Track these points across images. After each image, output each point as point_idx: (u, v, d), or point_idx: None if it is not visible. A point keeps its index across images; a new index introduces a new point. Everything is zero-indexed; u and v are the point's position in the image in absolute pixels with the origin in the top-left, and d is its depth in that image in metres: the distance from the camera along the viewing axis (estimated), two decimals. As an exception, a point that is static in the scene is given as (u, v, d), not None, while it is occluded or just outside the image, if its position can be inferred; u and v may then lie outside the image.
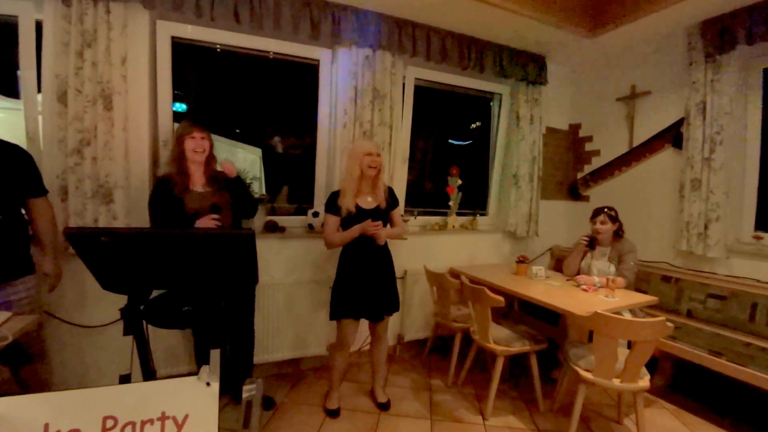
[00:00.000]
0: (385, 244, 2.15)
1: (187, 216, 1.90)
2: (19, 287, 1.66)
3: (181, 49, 2.40)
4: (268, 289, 2.49)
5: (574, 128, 3.77)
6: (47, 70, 1.99)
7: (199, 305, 1.56)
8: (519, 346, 2.24)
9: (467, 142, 3.75)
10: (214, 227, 1.84)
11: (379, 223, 1.99)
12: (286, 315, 2.58)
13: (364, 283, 2.08)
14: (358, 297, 2.07)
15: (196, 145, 1.95)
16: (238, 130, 3.03)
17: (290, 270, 2.60)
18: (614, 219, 2.55)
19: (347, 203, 2.03)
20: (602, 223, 2.54)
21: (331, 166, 2.76)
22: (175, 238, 1.24)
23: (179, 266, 1.27)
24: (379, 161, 2.07)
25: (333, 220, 2.09)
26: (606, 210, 2.56)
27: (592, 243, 2.58)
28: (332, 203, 2.09)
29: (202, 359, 2.16)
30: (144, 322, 1.37)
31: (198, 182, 2.00)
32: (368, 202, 2.10)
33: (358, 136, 2.68)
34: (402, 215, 2.86)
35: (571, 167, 3.81)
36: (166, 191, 1.92)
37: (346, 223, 2.07)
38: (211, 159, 2.03)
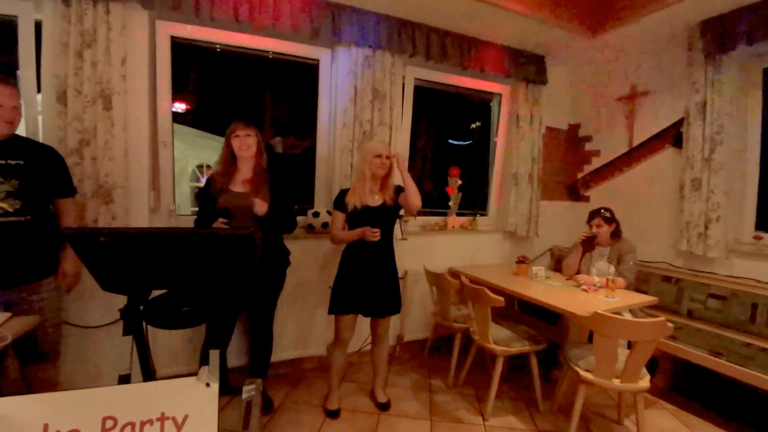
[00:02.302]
0: (389, 245, 2.16)
1: (217, 215, 1.94)
2: (43, 287, 1.70)
3: (180, 48, 2.40)
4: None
5: (574, 128, 3.77)
6: (47, 70, 1.99)
7: (198, 306, 1.56)
8: (519, 347, 2.24)
9: (467, 142, 3.74)
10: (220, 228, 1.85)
11: (377, 231, 2.02)
12: (286, 315, 2.58)
13: (363, 281, 2.09)
14: (357, 293, 2.09)
15: (241, 143, 1.99)
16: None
17: (290, 270, 2.59)
18: (610, 220, 2.54)
19: (355, 201, 2.09)
20: (598, 226, 2.54)
21: (331, 166, 2.76)
22: (174, 237, 1.24)
23: (179, 266, 1.26)
24: (388, 163, 2.12)
25: (339, 217, 2.16)
26: (601, 212, 2.55)
27: (591, 242, 2.58)
28: (340, 200, 2.16)
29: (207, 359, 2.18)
30: (143, 323, 1.37)
31: (240, 180, 2.03)
32: (375, 200, 2.14)
33: (357, 136, 2.68)
34: (402, 215, 2.87)
35: (571, 167, 3.80)
36: (208, 190, 2.02)
37: (352, 218, 2.13)
38: (259, 155, 2.04)
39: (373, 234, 2.00)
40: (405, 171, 2.08)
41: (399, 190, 2.19)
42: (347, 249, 2.18)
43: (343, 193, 2.17)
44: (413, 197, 2.02)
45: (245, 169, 2.05)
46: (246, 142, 2.00)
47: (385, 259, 2.15)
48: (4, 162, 1.57)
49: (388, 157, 2.10)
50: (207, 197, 2.03)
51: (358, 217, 2.09)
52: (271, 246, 2.11)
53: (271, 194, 2.04)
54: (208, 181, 2.08)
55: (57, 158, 1.76)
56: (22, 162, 1.61)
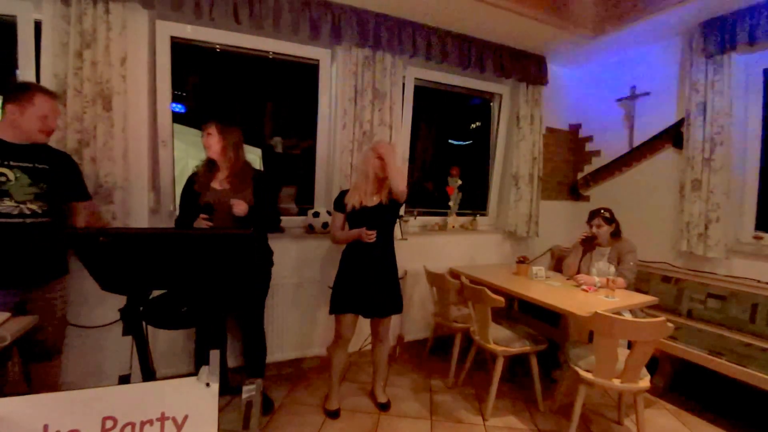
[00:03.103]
0: (389, 245, 2.16)
1: (200, 211, 1.93)
2: (57, 286, 1.77)
3: (180, 49, 2.40)
4: (269, 289, 2.48)
5: (574, 128, 3.77)
6: (46, 70, 1.99)
7: (197, 306, 1.56)
8: (519, 347, 2.24)
9: (467, 142, 3.74)
10: (209, 227, 1.84)
11: (373, 233, 2.02)
12: (286, 315, 2.58)
13: (363, 280, 2.10)
14: (357, 293, 2.09)
15: (204, 141, 2.00)
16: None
17: (291, 271, 2.60)
18: (610, 221, 2.54)
19: (353, 201, 2.10)
20: (598, 226, 2.54)
21: (331, 167, 2.76)
22: (173, 238, 1.24)
23: (178, 266, 1.26)
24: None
25: (338, 217, 2.19)
26: (601, 212, 2.56)
27: (591, 242, 2.58)
28: (339, 201, 2.18)
29: (201, 360, 2.17)
30: (143, 323, 1.36)
31: (220, 179, 2.03)
32: (372, 200, 2.14)
33: (357, 136, 2.68)
34: (402, 216, 2.87)
35: (571, 167, 3.80)
36: (191, 186, 2.02)
37: (351, 218, 2.14)
38: (229, 154, 2.00)
39: (369, 236, 2.01)
40: (390, 158, 2.00)
41: None
42: (347, 249, 2.18)
43: (343, 193, 2.18)
44: (397, 182, 1.98)
45: (223, 168, 2.04)
46: (206, 142, 1.99)
47: (384, 258, 2.14)
48: (32, 165, 1.64)
49: (380, 157, 2.03)
50: (189, 195, 2.01)
51: (357, 217, 2.09)
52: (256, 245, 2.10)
53: (255, 194, 2.02)
54: (191, 178, 2.05)
55: (75, 165, 1.86)
56: (47, 167, 1.68)
